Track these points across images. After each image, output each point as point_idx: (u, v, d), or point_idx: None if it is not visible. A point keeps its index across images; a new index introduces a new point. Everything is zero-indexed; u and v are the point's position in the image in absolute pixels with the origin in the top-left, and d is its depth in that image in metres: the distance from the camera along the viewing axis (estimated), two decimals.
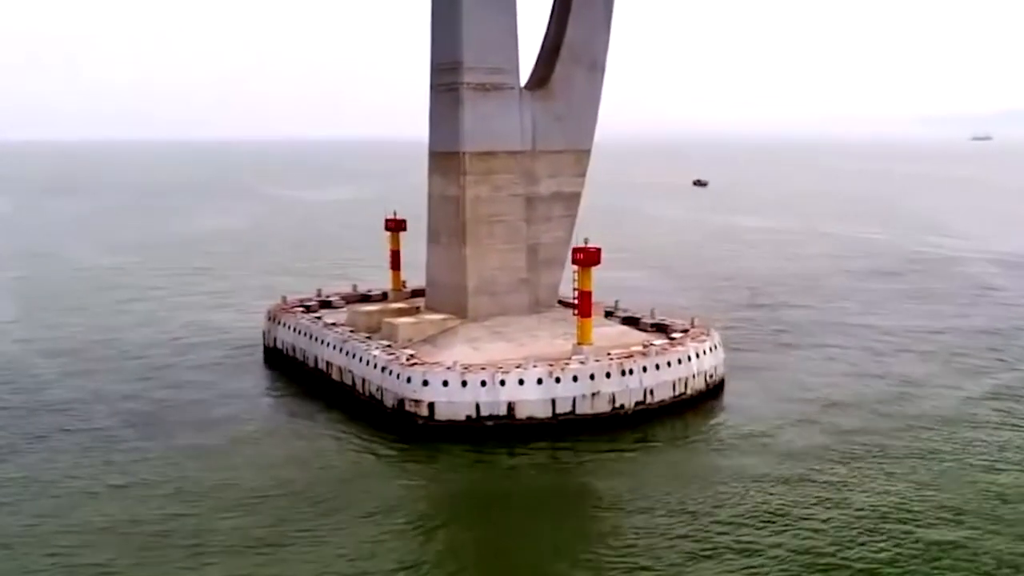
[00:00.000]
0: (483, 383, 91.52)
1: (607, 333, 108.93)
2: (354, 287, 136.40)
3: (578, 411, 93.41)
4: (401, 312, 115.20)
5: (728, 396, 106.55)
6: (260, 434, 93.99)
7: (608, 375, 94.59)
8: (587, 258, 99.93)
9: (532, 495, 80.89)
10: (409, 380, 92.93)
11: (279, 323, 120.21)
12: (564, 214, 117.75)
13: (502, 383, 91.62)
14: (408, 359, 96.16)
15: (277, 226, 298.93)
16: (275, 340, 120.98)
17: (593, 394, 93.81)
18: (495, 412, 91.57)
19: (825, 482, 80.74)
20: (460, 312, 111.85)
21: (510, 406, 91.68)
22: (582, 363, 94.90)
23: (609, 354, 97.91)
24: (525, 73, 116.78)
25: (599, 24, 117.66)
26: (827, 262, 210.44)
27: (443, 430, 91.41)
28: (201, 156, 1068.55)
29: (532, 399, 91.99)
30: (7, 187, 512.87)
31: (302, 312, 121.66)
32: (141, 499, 77.86)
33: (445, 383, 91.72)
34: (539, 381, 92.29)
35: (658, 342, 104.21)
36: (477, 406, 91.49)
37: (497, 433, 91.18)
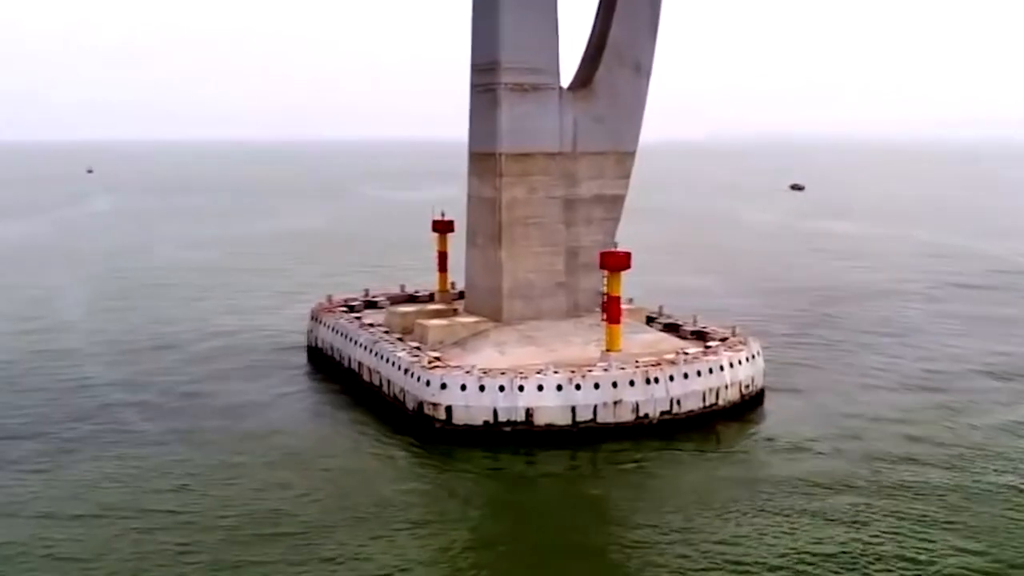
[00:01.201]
0: (501, 388, 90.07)
1: (643, 340, 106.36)
2: (402, 287, 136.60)
3: (599, 419, 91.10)
4: (437, 314, 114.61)
5: (767, 409, 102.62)
6: (280, 431, 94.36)
7: (632, 383, 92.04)
8: (615, 262, 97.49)
9: (542, 502, 79.42)
10: (428, 383, 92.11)
11: (320, 322, 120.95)
12: (606, 217, 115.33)
13: (521, 388, 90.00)
14: (430, 362, 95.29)
15: (361, 225, 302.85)
16: (316, 339, 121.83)
17: (615, 402, 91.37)
18: (513, 418, 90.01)
19: (848, 521, 73.31)
20: (495, 315, 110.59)
21: (528, 412, 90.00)
22: (605, 370, 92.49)
23: (636, 362, 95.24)
24: (570, 74, 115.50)
25: (645, 25, 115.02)
26: (912, 272, 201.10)
27: (460, 434, 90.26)
28: (300, 156, 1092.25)
29: (551, 405, 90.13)
30: (115, 186, 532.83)
31: (343, 312, 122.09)
32: (144, 491, 78.87)
33: (463, 387, 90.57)
34: (559, 387, 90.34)
35: (692, 350, 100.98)
36: (495, 411, 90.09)
37: (515, 439, 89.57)
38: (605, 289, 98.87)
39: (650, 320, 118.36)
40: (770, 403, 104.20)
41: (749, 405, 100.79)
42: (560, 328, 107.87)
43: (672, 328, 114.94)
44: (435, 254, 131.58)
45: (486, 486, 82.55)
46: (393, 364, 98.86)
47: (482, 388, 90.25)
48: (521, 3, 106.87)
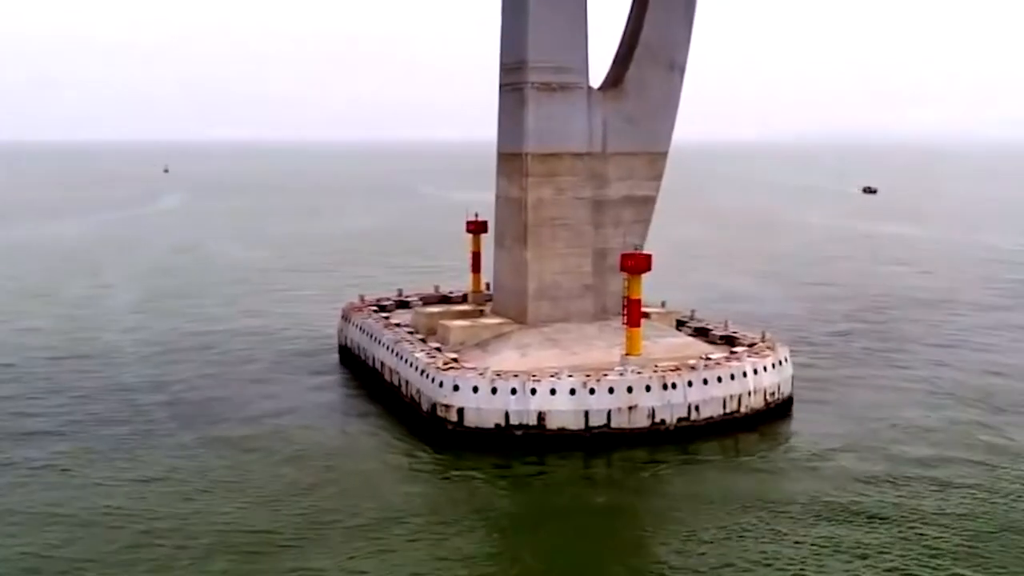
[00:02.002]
0: (513, 391, 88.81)
1: (669, 344, 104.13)
2: (436, 288, 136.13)
3: (613, 424, 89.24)
4: (462, 315, 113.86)
5: (794, 419, 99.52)
6: (296, 430, 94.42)
7: (648, 388, 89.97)
8: (636, 265, 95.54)
9: (549, 510, 77.47)
10: (441, 385, 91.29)
11: (350, 322, 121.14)
12: (636, 219, 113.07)
13: (533, 392, 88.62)
14: (445, 363, 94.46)
15: (415, 225, 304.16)
16: (346, 339, 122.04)
17: (630, 407, 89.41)
18: (525, 421, 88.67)
19: (856, 545, 69.31)
20: (521, 317, 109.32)
21: (540, 416, 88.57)
22: (621, 374, 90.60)
23: (655, 367, 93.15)
24: (602, 73, 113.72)
25: (678, 23, 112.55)
26: (976, 280, 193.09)
27: (472, 437, 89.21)
28: (382, 156, 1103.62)
29: (564, 409, 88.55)
30: (187, 185, 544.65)
31: (373, 311, 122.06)
32: (158, 494, 79.40)
33: (475, 389, 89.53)
34: (572, 391, 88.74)
35: (716, 355, 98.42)
36: (507, 414, 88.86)
37: (527, 443, 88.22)
38: (625, 292, 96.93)
39: (680, 324, 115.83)
40: (798, 412, 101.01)
41: (775, 413, 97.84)
42: (585, 331, 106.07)
43: (702, 332, 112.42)
44: (469, 255, 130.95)
45: (493, 492, 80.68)
46: (411, 364, 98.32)
47: (494, 390, 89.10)
48: (549, 2, 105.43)
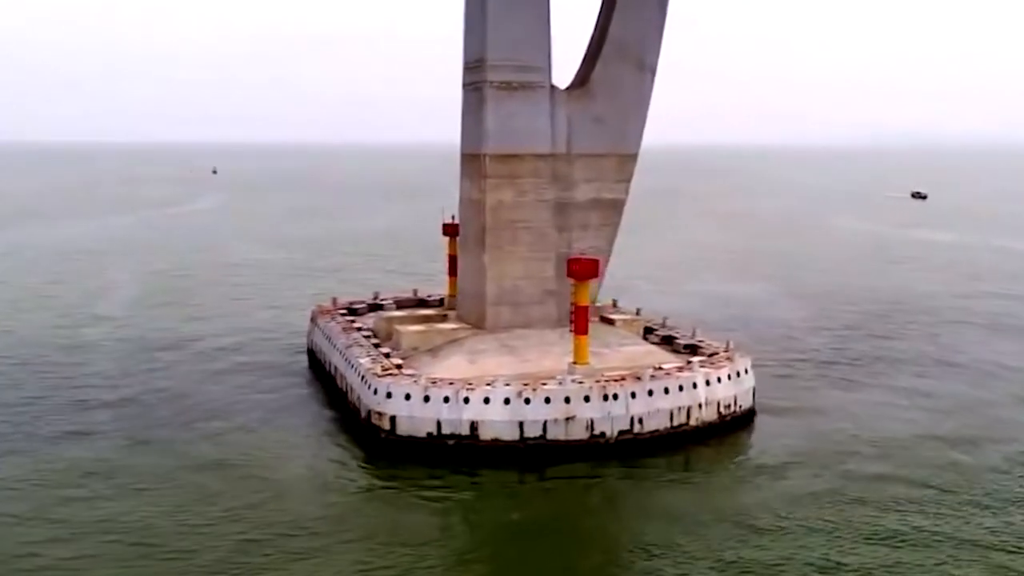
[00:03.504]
0: (446, 399, 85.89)
1: (628, 352, 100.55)
2: (414, 291, 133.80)
3: (549, 436, 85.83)
4: (424, 319, 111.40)
5: (755, 433, 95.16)
6: (234, 434, 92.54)
7: (587, 399, 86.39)
8: (582, 270, 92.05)
9: (477, 528, 73.82)
10: (376, 391, 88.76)
11: (316, 325, 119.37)
12: (603, 222, 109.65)
13: (466, 400, 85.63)
14: (383, 369, 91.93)
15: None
16: (312, 342, 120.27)
17: (567, 418, 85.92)
18: (457, 431, 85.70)
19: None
20: (480, 322, 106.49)
21: (473, 425, 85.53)
22: (560, 383, 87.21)
23: (599, 377, 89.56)
24: (570, 73, 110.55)
25: (648, 22, 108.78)
26: (1011, 290, 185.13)
27: (404, 446, 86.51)
28: (416, 156, 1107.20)
29: (497, 419, 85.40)
30: (231, 185, 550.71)
31: (342, 315, 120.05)
32: (46, 498, 77.97)
33: (407, 397, 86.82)
34: (506, 401, 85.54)
35: (668, 365, 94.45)
36: (439, 423, 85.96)
37: (459, 454, 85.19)
38: (574, 301, 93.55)
39: (649, 332, 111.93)
40: (761, 427, 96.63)
41: (731, 427, 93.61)
42: (545, 338, 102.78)
43: (668, 341, 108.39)
44: (446, 258, 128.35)
45: (413, 505, 77.32)
46: (355, 370, 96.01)
47: (427, 398, 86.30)
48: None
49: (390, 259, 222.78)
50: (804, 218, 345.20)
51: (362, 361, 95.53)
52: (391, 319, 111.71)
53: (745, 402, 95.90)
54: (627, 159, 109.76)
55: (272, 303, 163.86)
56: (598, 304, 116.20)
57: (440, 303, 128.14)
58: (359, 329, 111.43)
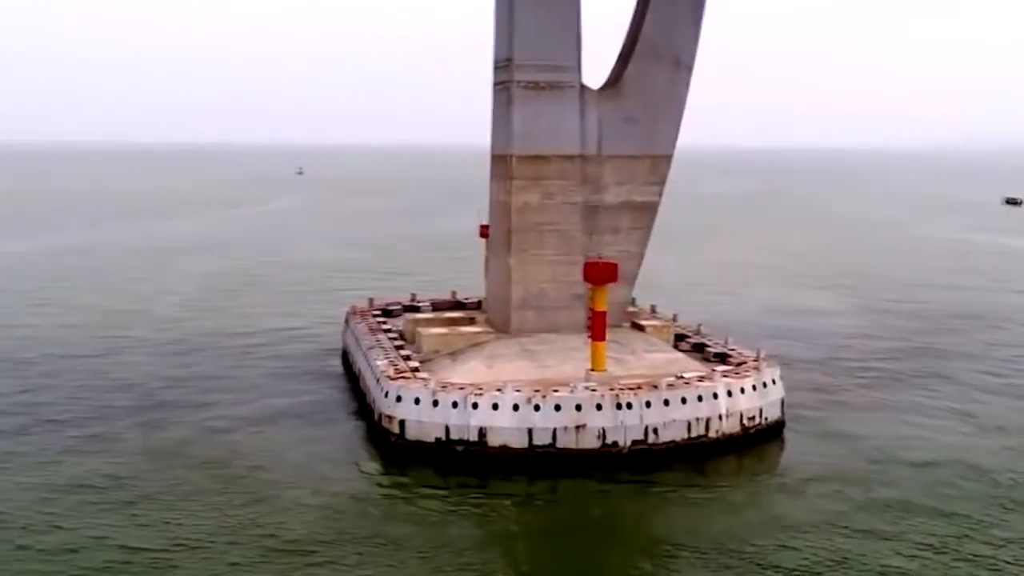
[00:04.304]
0: (455, 404, 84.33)
1: (653, 359, 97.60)
2: (453, 293, 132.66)
3: (559, 444, 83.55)
4: (450, 322, 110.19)
5: (781, 446, 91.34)
6: (247, 435, 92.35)
7: (599, 407, 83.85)
8: (600, 274, 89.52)
9: (482, 538, 71.27)
10: (387, 395, 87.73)
11: (348, 326, 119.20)
12: (634, 226, 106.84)
13: (475, 406, 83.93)
14: (396, 372, 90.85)
15: None
16: (345, 343, 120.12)
17: (578, 427, 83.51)
18: (465, 437, 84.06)
19: None
20: (505, 326, 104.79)
21: (481, 432, 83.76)
22: (572, 390, 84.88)
23: (614, 385, 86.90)
24: (606, 74, 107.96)
25: (684, 16, 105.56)
26: None
27: (412, 451, 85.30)
28: None
29: (506, 426, 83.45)
30: (313, 186, 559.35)
31: (374, 316, 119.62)
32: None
33: (417, 400, 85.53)
34: (515, 407, 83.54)
35: (690, 374, 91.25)
36: (447, 428, 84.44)
37: (467, 460, 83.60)
38: (589, 305, 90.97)
39: (680, 339, 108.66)
40: (789, 441, 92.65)
41: (755, 440, 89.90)
42: (568, 343, 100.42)
43: (699, 349, 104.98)
44: (483, 260, 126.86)
45: (422, 513, 75.79)
46: (372, 372, 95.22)
47: (435, 403, 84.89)
48: None
49: (459, 261, 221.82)
50: (886, 224, 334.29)
51: (379, 363, 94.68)
52: (416, 321, 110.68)
53: (772, 414, 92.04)
54: (660, 160, 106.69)
55: (324, 303, 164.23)
56: (631, 309, 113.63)
57: (477, 306, 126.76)
58: (387, 331, 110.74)
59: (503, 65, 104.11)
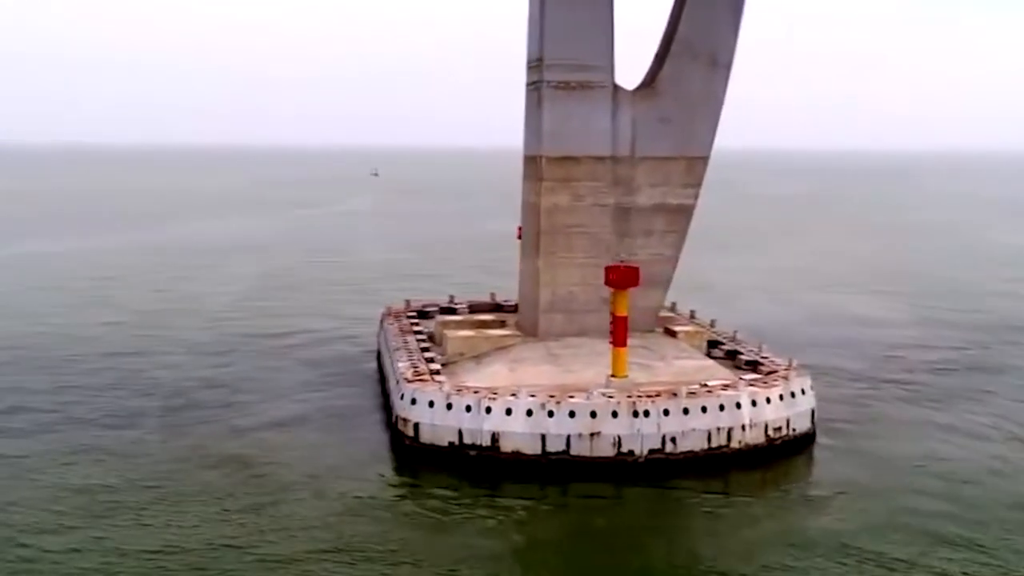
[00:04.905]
0: (468, 408, 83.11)
1: (681, 367, 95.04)
2: (492, 296, 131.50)
3: (573, 451, 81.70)
4: (481, 325, 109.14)
5: (810, 459, 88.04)
6: (272, 434, 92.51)
7: (615, 414, 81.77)
8: (621, 278, 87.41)
9: (491, 546, 69.62)
10: (402, 397, 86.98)
11: (382, 327, 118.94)
12: (668, 228, 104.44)
13: (488, 410, 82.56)
14: (414, 374, 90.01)
15: None
16: (378, 344, 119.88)
17: (592, 434, 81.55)
18: (478, 441, 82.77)
19: None
20: (533, 329, 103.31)
21: (494, 437, 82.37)
22: (588, 397, 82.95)
23: (631, 392, 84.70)
24: (642, 74, 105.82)
25: (722, 15, 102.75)
26: None
27: (427, 454, 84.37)
28: None
29: (519, 432, 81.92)
30: (385, 188, 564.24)
31: (408, 318, 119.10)
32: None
33: (431, 404, 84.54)
34: (528, 412, 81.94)
35: (714, 382, 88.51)
36: (460, 432, 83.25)
37: (481, 465, 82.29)
38: (606, 309, 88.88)
39: (714, 345, 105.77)
40: (818, 453, 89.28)
41: (782, 452, 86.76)
42: (596, 348, 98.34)
43: (732, 356, 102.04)
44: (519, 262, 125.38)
45: (429, 518, 74.50)
46: (394, 374, 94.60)
47: (449, 407, 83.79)
48: None
49: (505, 263, 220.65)
50: (951, 227, 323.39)
51: (399, 365, 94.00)
52: (445, 323, 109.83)
53: (800, 425, 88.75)
54: (696, 162, 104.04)
55: (369, 304, 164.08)
56: (663, 314, 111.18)
57: (515, 309, 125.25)
58: (417, 333, 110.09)
59: (534, 65, 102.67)
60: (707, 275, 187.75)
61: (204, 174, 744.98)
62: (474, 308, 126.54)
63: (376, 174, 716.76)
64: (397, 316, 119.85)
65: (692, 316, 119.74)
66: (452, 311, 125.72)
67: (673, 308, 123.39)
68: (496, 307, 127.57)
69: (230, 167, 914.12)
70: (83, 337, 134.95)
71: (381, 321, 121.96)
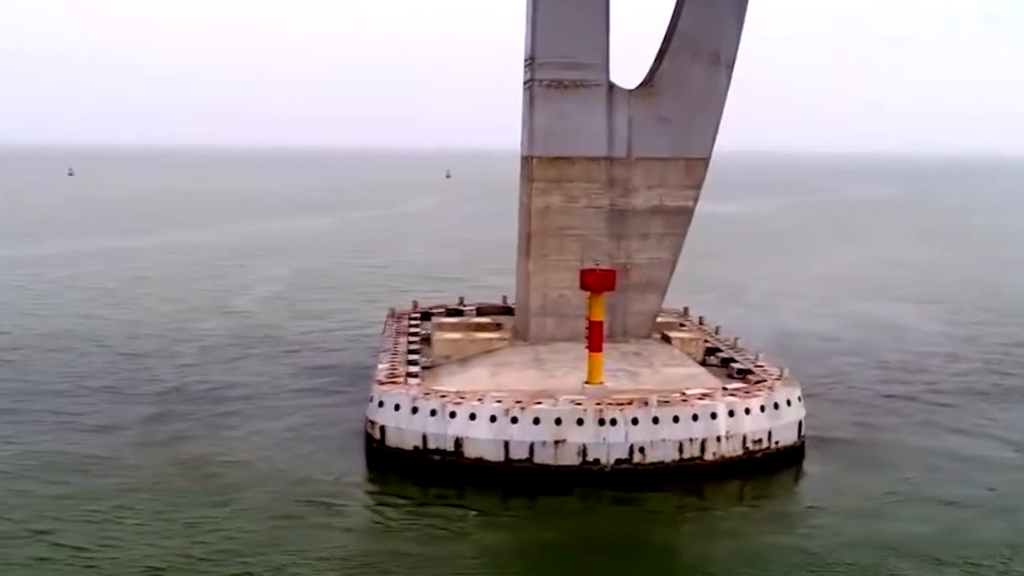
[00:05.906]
0: (433, 412, 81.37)
1: (669, 374, 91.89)
2: (504, 299, 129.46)
3: (536, 459, 79.29)
4: (472, 327, 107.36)
5: (794, 474, 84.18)
6: (249, 436, 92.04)
7: (580, 422, 79.14)
8: (598, 282, 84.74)
9: (445, 555, 67.69)
10: (371, 399, 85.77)
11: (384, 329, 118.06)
12: (666, 231, 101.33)
13: (452, 415, 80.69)
14: (387, 377, 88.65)
15: None
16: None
17: (556, 441, 79.05)
18: (442, 446, 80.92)
19: None
20: (525, 333, 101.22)
21: (458, 442, 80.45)
22: (554, 404, 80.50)
23: (600, 400, 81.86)
24: (642, 74, 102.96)
25: (725, 11, 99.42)
26: None
27: (391, 458, 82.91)
28: None
29: (482, 438, 79.80)
30: (454, 189, 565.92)
31: (411, 320, 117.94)
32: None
33: (396, 407, 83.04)
34: (492, 418, 79.81)
35: (691, 391, 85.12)
36: (424, 437, 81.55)
37: (444, 471, 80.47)
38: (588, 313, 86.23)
39: (711, 352, 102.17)
40: (806, 468, 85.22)
41: (763, 465, 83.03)
42: (584, 353, 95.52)
43: (727, 364, 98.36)
44: None
45: (386, 523, 73.01)
46: (375, 376, 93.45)
47: (414, 410, 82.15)
48: None
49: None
50: (1000, 232, 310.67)
51: (379, 367, 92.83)
52: (439, 325, 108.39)
53: (785, 438, 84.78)
54: (696, 163, 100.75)
55: (393, 305, 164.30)
56: (662, 319, 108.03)
57: None
58: (414, 335, 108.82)
59: (528, 63, 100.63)
60: (746, 281, 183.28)
61: (261, 177, 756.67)
62: (483, 311, 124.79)
63: (449, 176, 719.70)
64: (399, 318, 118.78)
65: (701, 322, 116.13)
66: (459, 313, 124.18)
67: (685, 313, 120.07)
68: (506, 310, 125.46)
69: (309, 169, 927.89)
70: (94, 336, 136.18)
71: (385, 323, 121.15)
